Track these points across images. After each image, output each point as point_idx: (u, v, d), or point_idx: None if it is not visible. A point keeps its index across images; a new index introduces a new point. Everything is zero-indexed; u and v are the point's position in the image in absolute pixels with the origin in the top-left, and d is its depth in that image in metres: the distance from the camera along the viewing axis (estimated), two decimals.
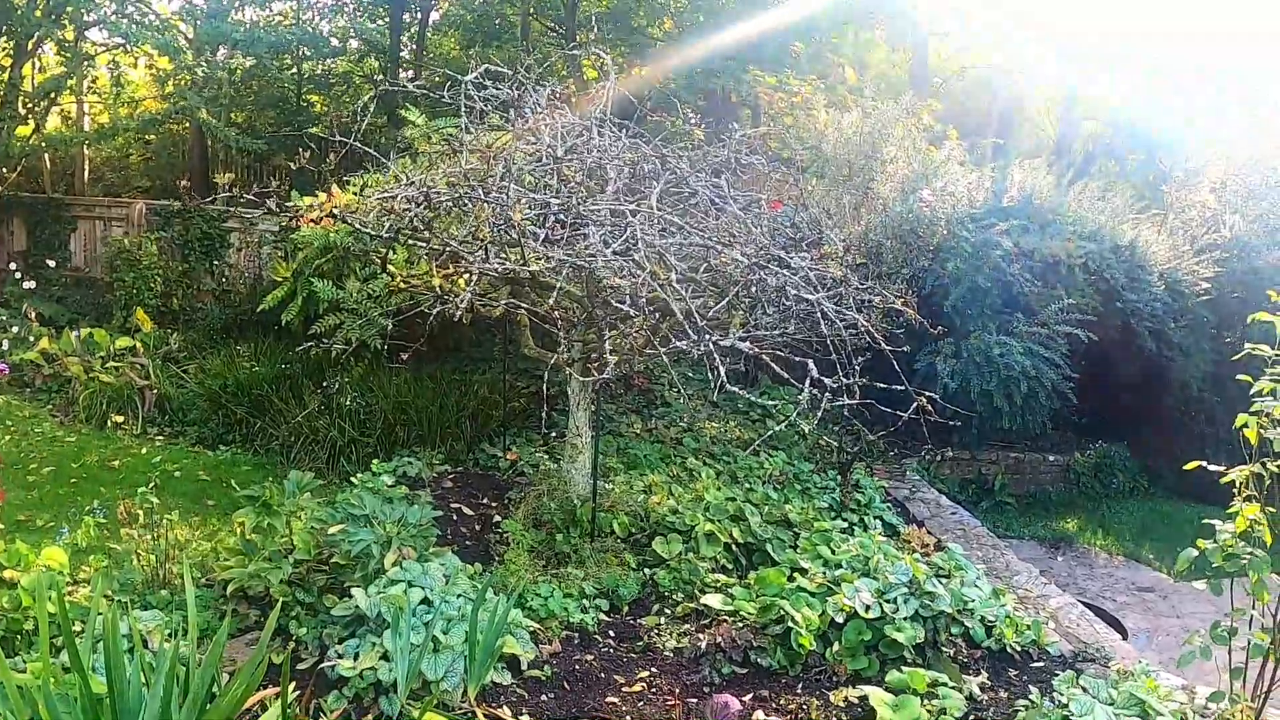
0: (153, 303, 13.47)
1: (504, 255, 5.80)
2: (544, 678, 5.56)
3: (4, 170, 15.46)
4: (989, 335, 10.92)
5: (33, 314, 13.35)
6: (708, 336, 5.15)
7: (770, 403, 9.98)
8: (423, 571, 5.78)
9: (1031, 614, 6.98)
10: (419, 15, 20.78)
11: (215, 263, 13.94)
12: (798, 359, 6.09)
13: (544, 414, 9.86)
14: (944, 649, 6.09)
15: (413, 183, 6.15)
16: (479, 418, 9.79)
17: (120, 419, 11.02)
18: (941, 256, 11.08)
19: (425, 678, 5.01)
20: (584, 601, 6.43)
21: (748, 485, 8.66)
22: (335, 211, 6.50)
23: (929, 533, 8.67)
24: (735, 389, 5.30)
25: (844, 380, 5.71)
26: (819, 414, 5.75)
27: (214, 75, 15.49)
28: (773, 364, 5.88)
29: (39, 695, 4.03)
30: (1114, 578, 10.22)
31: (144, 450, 10.25)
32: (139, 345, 12.07)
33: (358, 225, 6.47)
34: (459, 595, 5.64)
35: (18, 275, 14.70)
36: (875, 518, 8.71)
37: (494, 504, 8.13)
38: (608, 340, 5.31)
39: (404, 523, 6.30)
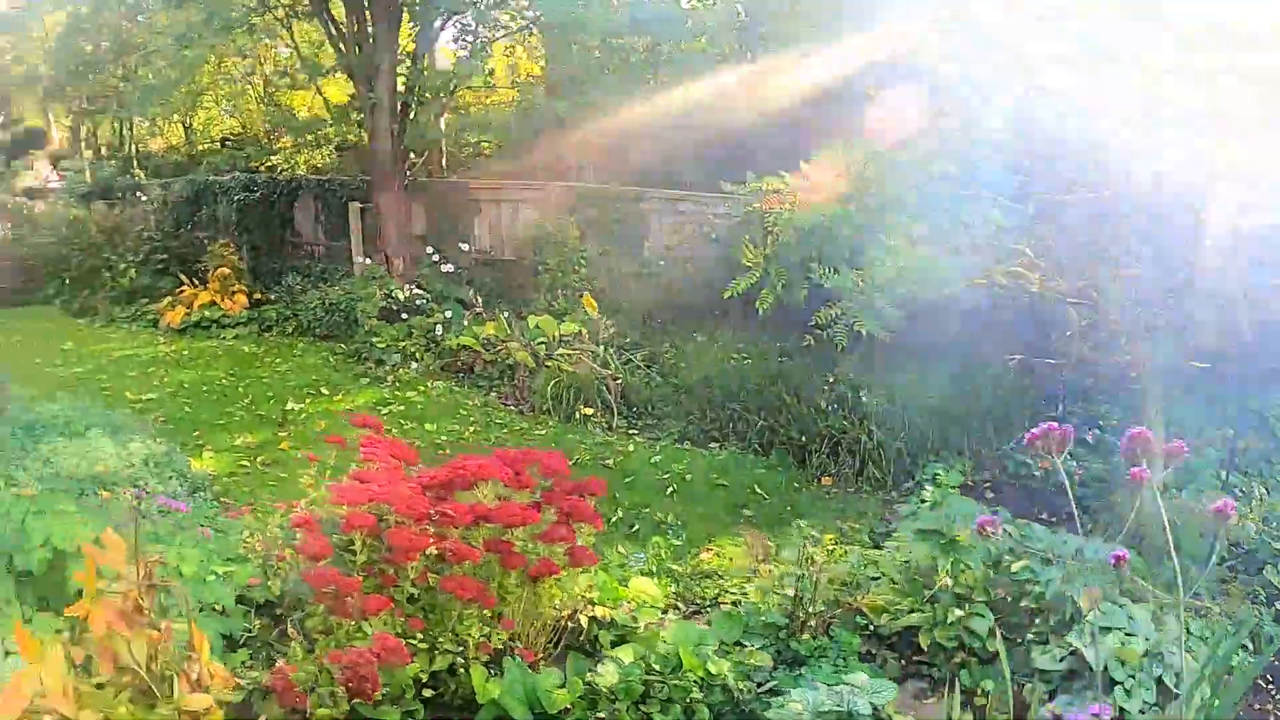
0: (577, 285, 13.37)
1: None
2: None
3: (412, 155, 15.79)
4: None
5: (479, 300, 13.54)
6: None
7: None
8: (1129, 616, 5.14)
9: None
10: None
11: (637, 245, 13.69)
12: None
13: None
14: None
15: None
16: (996, 415, 8.97)
17: (589, 411, 10.66)
18: None
19: None
20: None
21: None
22: None
23: None
24: None
25: None
26: None
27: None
28: None
29: None
30: None
31: (630, 448, 9.75)
32: (584, 332, 11.85)
33: None
34: (1174, 641, 4.98)
35: (435, 259, 14.93)
36: None
37: (1060, 525, 7.35)
38: None
39: (1080, 556, 5.68)
